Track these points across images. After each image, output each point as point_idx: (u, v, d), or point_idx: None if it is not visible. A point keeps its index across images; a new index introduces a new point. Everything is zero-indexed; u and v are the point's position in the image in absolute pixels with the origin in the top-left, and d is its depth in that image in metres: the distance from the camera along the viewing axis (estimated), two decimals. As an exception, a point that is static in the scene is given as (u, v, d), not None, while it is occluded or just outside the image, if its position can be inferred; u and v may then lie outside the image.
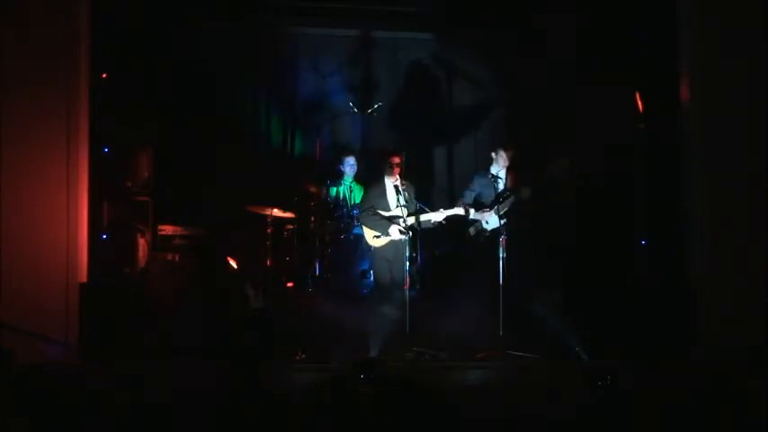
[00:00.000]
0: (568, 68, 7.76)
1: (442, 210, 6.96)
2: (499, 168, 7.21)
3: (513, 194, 7.06)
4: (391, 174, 6.99)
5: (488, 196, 7.12)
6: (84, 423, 4.77)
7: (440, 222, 7.01)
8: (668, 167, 6.85)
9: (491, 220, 7.09)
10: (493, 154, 7.28)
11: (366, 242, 7.16)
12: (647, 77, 7.09)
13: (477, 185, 7.27)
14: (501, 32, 8.36)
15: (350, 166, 7.97)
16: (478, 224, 7.22)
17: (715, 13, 6.58)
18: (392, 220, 6.94)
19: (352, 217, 7.62)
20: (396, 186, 6.88)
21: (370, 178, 7.59)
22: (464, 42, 8.70)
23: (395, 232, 6.93)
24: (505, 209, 6.99)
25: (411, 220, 6.82)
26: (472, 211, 7.06)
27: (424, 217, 6.90)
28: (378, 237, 7.02)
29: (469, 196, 7.27)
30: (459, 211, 7.00)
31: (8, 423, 4.33)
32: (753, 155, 6.47)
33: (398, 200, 6.82)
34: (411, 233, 6.75)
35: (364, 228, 7.15)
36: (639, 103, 7.01)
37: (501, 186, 7.08)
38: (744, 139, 6.50)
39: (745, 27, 6.54)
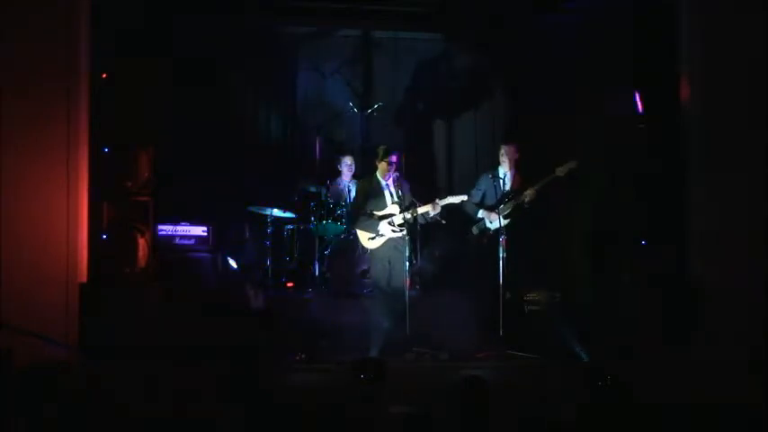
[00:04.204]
0: (569, 68, 7.76)
1: (437, 200, 6.92)
2: (505, 170, 7.23)
3: (518, 196, 7.07)
4: (385, 172, 6.98)
5: (494, 196, 7.12)
6: (84, 423, 4.77)
7: (440, 220, 6.99)
8: (668, 167, 6.85)
9: (495, 221, 7.08)
10: (501, 154, 7.28)
11: (362, 245, 7.13)
12: (647, 77, 7.09)
13: (484, 185, 7.28)
14: (501, 32, 8.37)
15: (347, 166, 7.97)
16: (482, 223, 7.22)
17: (715, 13, 6.58)
18: (385, 218, 6.93)
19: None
20: (389, 184, 6.90)
21: (364, 178, 7.59)
22: (464, 42, 8.71)
23: (386, 230, 6.93)
24: (509, 210, 7.00)
25: (405, 216, 6.81)
26: (465, 197, 7.03)
27: (420, 211, 6.88)
28: (372, 238, 7.00)
29: (476, 195, 7.27)
30: (454, 199, 6.98)
31: (8, 423, 4.32)
32: (753, 155, 6.46)
33: (393, 196, 6.84)
34: (405, 230, 6.75)
35: (358, 230, 7.13)
36: (639, 103, 7.01)
37: (507, 187, 7.11)
38: (744, 138, 6.49)
39: (745, 27, 6.53)
